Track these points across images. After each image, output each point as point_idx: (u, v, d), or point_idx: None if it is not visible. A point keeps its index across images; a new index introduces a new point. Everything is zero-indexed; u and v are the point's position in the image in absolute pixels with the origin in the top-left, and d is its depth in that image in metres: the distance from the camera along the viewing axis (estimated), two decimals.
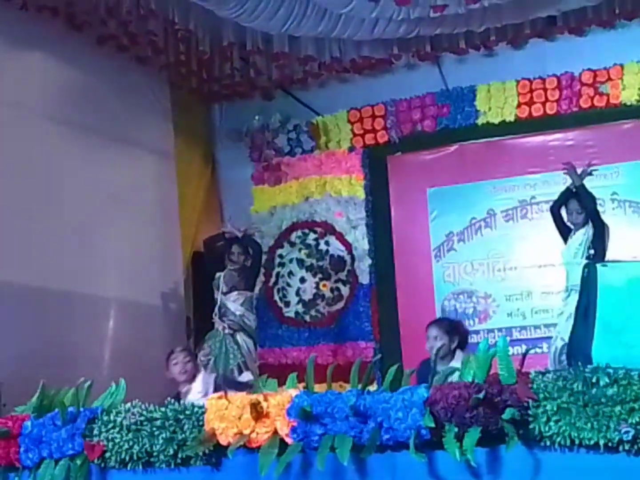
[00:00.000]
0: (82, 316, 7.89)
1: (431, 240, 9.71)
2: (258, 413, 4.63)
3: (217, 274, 8.67)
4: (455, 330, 6.75)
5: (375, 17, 8.24)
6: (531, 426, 4.14)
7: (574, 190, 7.81)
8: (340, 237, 9.78)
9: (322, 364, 8.78)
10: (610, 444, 4.02)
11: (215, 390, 6.54)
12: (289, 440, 4.56)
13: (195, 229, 9.70)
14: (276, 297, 9.90)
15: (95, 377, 5.54)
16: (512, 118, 9.45)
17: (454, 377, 4.63)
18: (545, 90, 9.30)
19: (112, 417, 5.02)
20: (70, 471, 5.04)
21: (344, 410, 4.44)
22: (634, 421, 3.98)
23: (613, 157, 9.02)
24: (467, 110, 9.56)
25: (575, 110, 9.23)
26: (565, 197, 7.89)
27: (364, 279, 9.64)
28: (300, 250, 9.90)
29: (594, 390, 4.07)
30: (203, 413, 4.82)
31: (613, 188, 9.04)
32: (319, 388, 4.77)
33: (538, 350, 8.31)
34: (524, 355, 4.57)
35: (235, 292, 8.59)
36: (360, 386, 4.58)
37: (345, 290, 9.71)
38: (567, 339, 6.82)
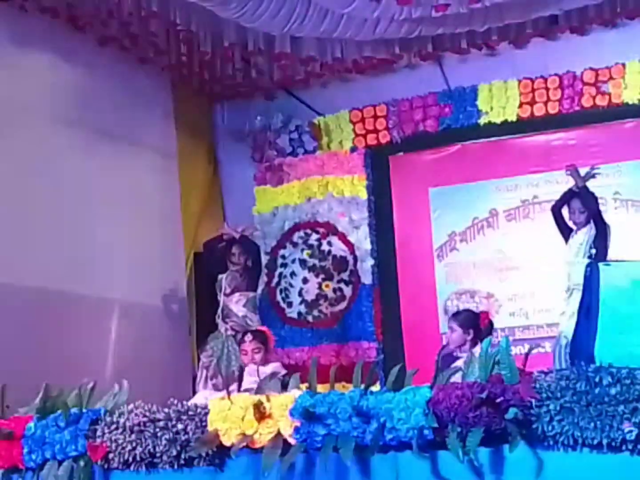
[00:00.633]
0: (85, 317, 7.89)
1: (433, 240, 9.70)
2: (261, 414, 4.64)
3: (220, 276, 8.68)
4: (469, 323, 6.78)
5: (377, 17, 8.23)
6: (534, 426, 4.14)
7: (576, 190, 7.82)
8: (343, 238, 9.77)
9: (325, 364, 8.78)
10: (613, 444, 4.02)
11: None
12: (292, 440, 4.56)
13: (197, 230, 9.69)
14: (279, 298, 9.90)
15: (98, 378, 5.54)
16: (514, 117, 9.44)
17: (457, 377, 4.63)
18: (547, 89, 9.30)
19: (115, 418, 5.02)
20: (73, 472, 5.04)
21: (347, 411, 4.44)
22: (637, 420, 3.98)
23: (615, 156, 9.01)
24: (469, 110, 9.55)
25: (577, 109, 9.22)
26: (567, 198, 7.90)
27: (367, 279, 9.64)
28: (302, 250, 9.90)
29: (597, 390, 4.07)
30: (206, 414, 4.82)
31: (615, 187, 9.03)
32: (322, 388, 4.77)
33: (541, 349, 8.31)
34: (527, 354, 4.57)
35: (238, 294, 8.60)
36: (363, 386, 4.58)
37: (347, 291, 9.71)
38: (570, 339, 6.83)
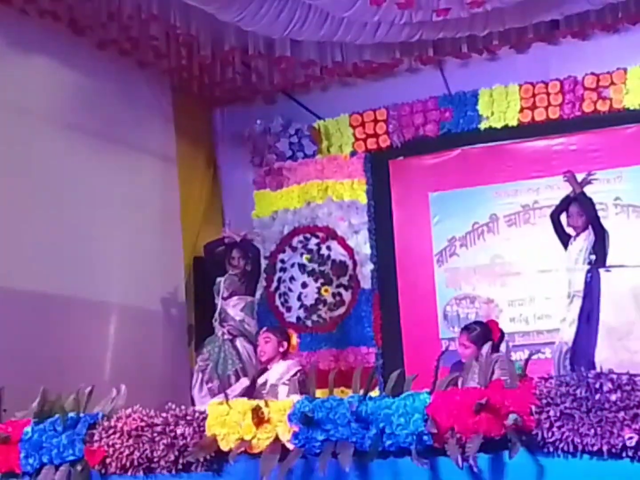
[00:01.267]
0: (84, 321, 7.87)
1: (433, 245, 9.68)
2: (259, 419, 4.62)
3: (218, 279, 8.65)
4: (483, 338, 6.59)
5: (377, 21, 8.23)
6: (534, 432, 4.12)
7: (574, 196, 7.82)
8: (342, 242, 9.75)
9: (324, 369, 8.77)
10: (613, 450, 4.00)
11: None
12: (290, 446, 4.55)
13: (197, 234, 9.67)
14: (278, 302, 9.88)
15: (96, 382, 5.53)
16: (514, 122, 9.43)
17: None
18: (548, 94, 9.28)
19: (112, 423, 5.01)
20: (70, 477, 5.03)
21: (346, 416, 4.43)
22: (637, 427, 3.96)
23: (616, 162, 8.99)
24: (470, 114, 9.54)
25: (578, 114, 9.20)
26: (565, 204, 7.89)
27: (366, 283, 9.62)
28: (302, 255, 9.88)
29: (597, 396, 4.05)
30: (204, 418, 4.81)
31: (616, 193, 9.01)
32: (321, 393, 4.76)
33: (541, 355, 8.28)
34: (527, 360, 4.55)
35: (236, 297, 8.57)
36: (362, 392, 4.56)
37: (347, 295, 9.69)
38: (570, 344, 6.81)
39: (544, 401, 4.13)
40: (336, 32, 8.39)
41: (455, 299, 9.53)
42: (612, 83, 9.05)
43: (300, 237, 9.91)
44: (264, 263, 9.74)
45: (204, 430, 4.76)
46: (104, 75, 8.46)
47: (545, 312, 9.06)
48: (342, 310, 9.68)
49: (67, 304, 7.69)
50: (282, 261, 9.94)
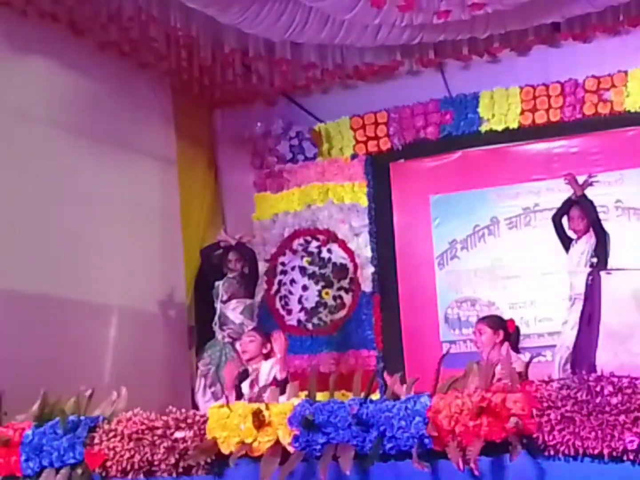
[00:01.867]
0: (84, 324, 7.85)
1: (434, 247, 9.68)
2: (260, 422, 4.61)
3: (217, 283, 8.66)
4: (498, 325, 6.75)
5: (378, 24, 8.22)
6: (535, 435, 4.11)
7: (575, 199, 7.82)
8: (343, 245, 9.75)
9: (325, 372, 8.77)
10: (614, 453, 3.99)
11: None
12: (291, 449, 4.54)
13: (202, 236, 9.63)
14: (278, 305, 9.87)
15: (96, 385, 5.52)
16: (515, 125, 9.43)
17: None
18: (548, 97, 9.28)
19: (113, 426, 5.00)
20: None
21: (347, 419, 4.42)
22: (638, 430, 3.95)
23: (617, 164, 9.00)
24: (471, 117, 9.54)
25: (579, 117, 9.21)
26: (566, 207, 7.89)
27: (367, 286, 9.61)
28: (302, 257, 9.87)
29: (598, 399, 4.04)
30: (205, 422, 4.80)
31: (617, 195, 9.01)
32: (322, 397, 4.75)
33: (542, 358, 8.28)
34: (528, 363, 4.55)
35: (235, 300, 8.57)
36: (362, 395, 4.55)
37: (347, 298, 9.68)
38: (571, 348, 6.81)
39: (545, 404, 4.13)
40: (337, 34, 8.38)
41: (456, 302, 9.52)
42: (613, 85, 9.05)
43: (301, 240, 9.90)
44: (264, 266, 9.75)
45: (204, 434, 4.75)
46: (104, 76, 8.44)
47: (546, 315, 9.05)
48: (342, 313, 9.67)
49: (67, 306, 7.67)
50: (283, 264, 9.93)
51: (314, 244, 9.86)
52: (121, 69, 8.67)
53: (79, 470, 5.02)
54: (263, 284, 9.77)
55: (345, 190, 9.82)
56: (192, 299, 9.46)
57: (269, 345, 6.95)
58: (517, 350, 6.83)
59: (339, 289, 9.72)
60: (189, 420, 4.84)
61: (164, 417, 4.89)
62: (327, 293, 9.73)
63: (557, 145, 9.35)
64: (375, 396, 4.75)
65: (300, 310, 9.77)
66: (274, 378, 6.54)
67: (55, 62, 7.93)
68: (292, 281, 9.87)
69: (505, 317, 7.55)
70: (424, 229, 9.73)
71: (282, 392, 6.07)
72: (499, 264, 9.43)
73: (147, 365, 8.20)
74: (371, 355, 9.40)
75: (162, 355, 8.72)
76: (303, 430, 4.49)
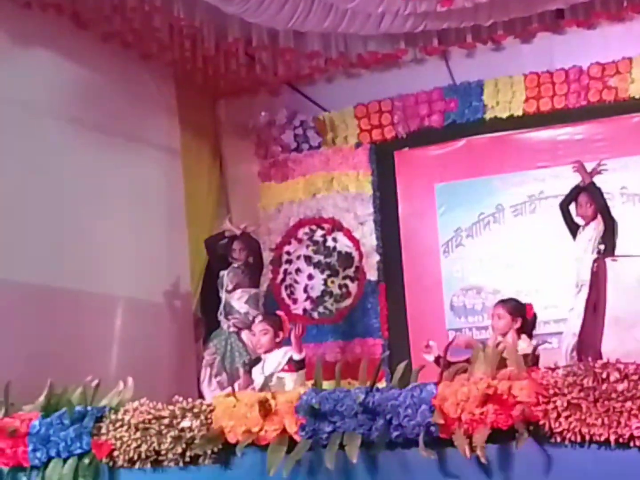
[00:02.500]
0: (90, 315, 7.87)
1: (439, 235, 9.67)
2: (266, 411, 4.62)
3: (221, 273, 8.66)
4: (518, 311, 6.72)
5: (381, 12, 8.21)
6: (541, 422, 4.11)
7: (583, 186, 7.81)
8: (348, 234, 9.75)
9: (331, 361, 8.77)
10: (621, 440, 3.99)
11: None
12: (297, 437, 4.54)
13: (206, 226, 9.63)
14: (284, 294, 9.87)
15: (102, 375, 5.53)
16: (520, 112, 9.41)
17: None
18: (553, 84, 9.26)
19: (120, 416, 5.01)
20: (78, 470, 5.03)
21: (353, 408, 4.42)
22: None
23: (622, 151, 8.96)
24: (475, 104, 9.52)
25: (583, 104, 9.18)
26: (574, 194, 7.88)
27: (372, 275, 9.61)
28: (307, 246, 9.88)
29: (604, 386, 4.04)
30: (211, 411, 4.80)
31: (622, 182, 8.98)
32: (328, 385, 4.75)
33: (548, 345, 8.26)
34: (534, 350, 4.55)
35: (240, 290, 8.57)
36: (369, 383, 4.55)
37: (353, 287, 9.68)
38: (577, 335, 6.80)
39: (551, 391, 4.12)
40: (340, 23, 8.37)
41: (461, 290, 9.52)
42: (618, 72, 9.02)
43: (306, 229, 9.90)
44: (269, 255, 9.75)
45: (211, 423, 4.76)
46: (108, 68, 8.44)
47: (552, 302, 9.03)
48: (348, 301, 9.67)
49: (73, 298, 7.69)
50: (288, 253, 9.93)
51: (319, 232, 9.86)
52: (124, 60, 8.67)
53: (86, 460, 5.03)
54: (268, 273, 9.78)
55: (350, 179, 9.81)
56: (197, 289, 9.47)
57: (280, 334, 6.95)
58: (531, 336, 6.78)
59: (345, 277, 9.73)
60: (196, 410, 4.84)
61: (171, 407, 4.90)
62: (332, 282, 9.73)
63: (561, 133, 9.32)
64: (382, 384, 4.75)
65: (306, 299, 9.78)
66: (290, 358, 6.57)
67: (59, 54, 7.94)
68: (298, 270, 9.88)
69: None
70: (429, 217, 9.72)
71: (300, 369, 6.16)
72: (504, 252, 9.42)
73: (153, 355, 8.22)
74: (377, 343, 9.40)
75: (167, 345, 8.73)
76: (309, 418, 4.49)
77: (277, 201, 10.03)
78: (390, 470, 4.38)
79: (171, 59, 9.00)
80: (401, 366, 4.65)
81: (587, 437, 4.04)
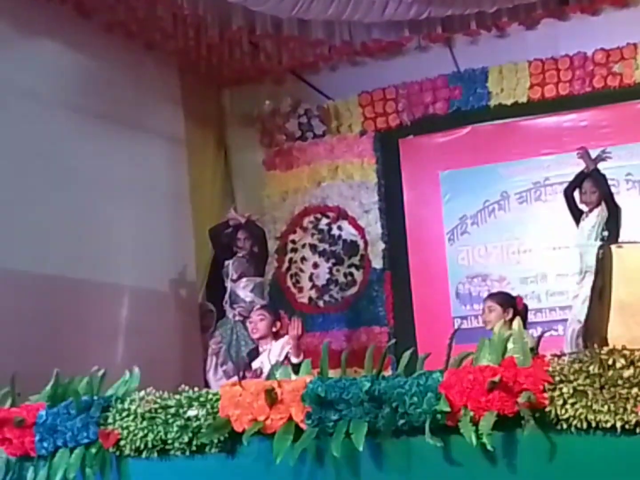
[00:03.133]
0: (96, 304, 7.88)
1: (444, 223, 9.68)
2: (273, 399, 4.62)
3: (226, 262, 8.67)
4: (508, 303, 6.79)
5: None
6: (547, 409, 4.11)
7: (587, 173, 7.80)
8: (353, 222, 9.76)
9: (336, 349, 8.78)
10: (627, 426, 3.98)
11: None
12: (303, 426, 4.54)
13: (211, 215, 9.63)
14: (289, 283, 9.89)
15: (108, 365, 5.54)
16: (524, 99, 9.40)
17: None
18: (557, 70, 9.25)
19: (126, 405, 5.01)
20: (85, 460, 5.04)
21: (359, 396, 4.42)
22: None
23: (627, 137, 8.96)
24: (479, 92, 9.51)
25: (588, 90, 9.17)
26: (578, 180, 7.87)
27: (377, 263, 9.62)
28: (312, 235, 9.88)
29: (610, 373, 4.03)
30: (217, 400, 4.81)
31: (627, 168, 8.98)
32: (334, 374, 4.75)
33: (554, 332, 8.28)
34: (539, 337, 4.54)
35: (245, 279, 8.59)
36: (374, 371, 4.55)
37: (358, 275, 9.69)
38: (583, 322, 6.80)
39: (557, 378, 4.12)
40: (344, 11, 8.35)
41: (467, 277, 9.53)
42: (622, 58, 9.01)
43: (311, 218, 9.91)
44: (275, 244, 9.76)
45: (217, 412, 4.76)
46: (112, 57, 8.44)
47: (558, 289, 9.05)
48: (353, 290, 9.69)
49: (78, 287, 7.70)
50: (293, 242, 9.94)
51: (324, 221, 9.87)
52: (128, 49, 8.67)
53: (93, 450, 5.03)
54: (274, 262, 9.79)
55: (354, 167, 9.82)
56: (204, 279, 9.48)
57: (278, 324, 6.97)
58: (524, 327, 6.84)
59: (350, 266, 9.73)
60: (202, 399, 4.85)
61: (177, 396, 4.90)
62: (337, 270, 9.74)
63: (566, 119, 9.32)
64: (387, 372, 4.74)
65: (311, 288, 9.79)
66: (287, 358, 6.56)
67: (63, 44, 7.94)
68: (303, 259, 9.89)
69: (517, 292, 7.60)
70: (434, 205, 9.72)
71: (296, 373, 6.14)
72: (509, 239, 9.43)
73: (159, 344, 8.23)
74: (383, 331, 9.41)
75: (173, 334, 8.75)
76: (315, 407, 4.50)
77: (282, 190, 10.03)
78: (397, 458, 4.38)
79: (175, 48, 9.00)
80: (407, 354, 4.64)
81: (593, 424, 4.03)
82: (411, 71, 9.73)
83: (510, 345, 4.41)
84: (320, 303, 9.74)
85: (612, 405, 4.00)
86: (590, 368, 4.07)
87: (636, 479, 3.99)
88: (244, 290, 8.57)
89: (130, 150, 8.58)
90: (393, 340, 9.16)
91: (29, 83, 7.54)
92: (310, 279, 9.84)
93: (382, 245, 9.66)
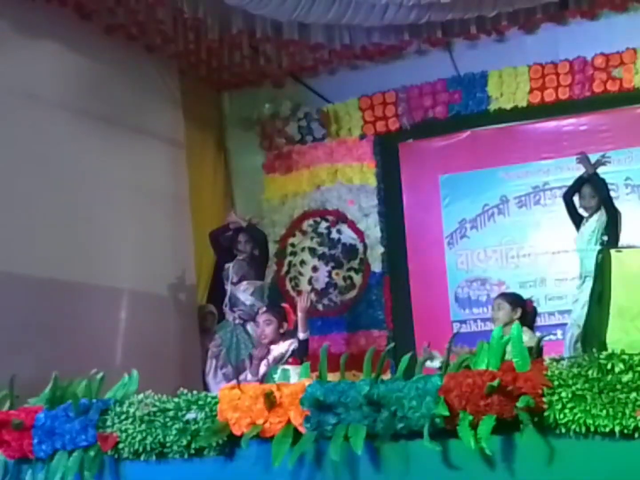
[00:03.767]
0: (95, 307, 7.88)
1: (444, 227, 9.68)
2: (271, 403, 4.62)
3: (226, 265, 8.67)
4: (517, 302, 6.84)
5: (385, 3, 8.20)
6: (546, 414, 4.11)
7: (586, 177, 7.80)
8: (352, 225, 9.76)
9: (335, 353, 8.76)
10: (625, 431, 3.99)
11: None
12: (302, 429, 4.55)
13: (210, 218, 9.63)
14: (288, 287, 9.89)
15: (107, 368, 5.54)
16: (524, 103, 9.41)
17: None
18: (557, 75, 9.25)
19: (125, 408, 5.01)
20: (83, 462, 5.04)
21: (358, 400, 4.42)
22: None
23: (626, 142, 8.97)
24: (479, 96, 9.52)
25: (588, 95, 9.18)
26: (577, 185, 7.88)
27: (377, 267, 9.62)
28: (312, 238, 9.88)
29: (609, 377, 4.04)
30: (216, 403, 4.81)
31: (626, 173, 9.00)
32: (332, 377, 4.75)
33: (552, 337, 8.27)
34: (538, 342, 4.55)
35: (245, 282, 8.59)
36: (373, 375, 4.55)
37: (357, 279, 9.69)
38: (582, 326, 6.80)
39: (556, 382, 4.12)
40: (344, 14, 8.36)
41: (466, 281, 9.53)
42: (622, 63, 9.02)
43: (310, 221, 9.91)
44: (274, 247, 9.76)
45: (216, 415, 4.76)
46: (112, 60, 8.44)
47: (557, 293, 9.05)
48: (353, 293, 9.69)
49: (77, 290, 7.69)
50: (292, 245, 9.95)
51: (324, 224, 9.87)
52: (128, 52, 8.67)
53: (92, 453, 5.03)
54: (273, 266, 9.79)
55: (354, 170, 9.82)
56: (206, 282, 9.48)
57: (285, 325, 6.97)
58: (532, 329, 6.85)
59: (349, 269, 9.74)
60: (201, 402, 4.85)
61: (176, 399, 4.90)
62: (337, 274, 9.74)
63: (566, 124, 9.32)
64: (386, 376, 4.75)
65: (311, 291, 9.78)
66: (294, 350, 6.60)
67: (63, 46, 7.93)
68: (302, 262, 9.89)
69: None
70: (434, 209, 9.72)
71: (304, 354, 6.17)
72: (508, 243, 9.43)
73: (157, 347, 8.23)
74: (382, 335, 9.42)
75: (172, 337, 8.74)
76: (314, 411, 4.50)
77: (281, 193, 10.04)
78: (395, 462, 4.39)
79: (175, 51, 9.00)
80: (406, 358, 4.65)
81: (592, 429, 4.04)
82: (411, 75, 9.74)
83: (509, 349, 4.41)
84: (319, 306, 9.74)
85: (610, 410, 4.00)
86: (589, 372, 4.08)
87: None
88: (244, 293, 8.57)
89: (130, 153, 8.57)
90: (392, 344, 9.19)
91: (29, 85, 7.54)
92: (310, 282, 9.84)
93: (381, 249, 9.66)
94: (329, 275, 9.78)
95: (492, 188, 9.53)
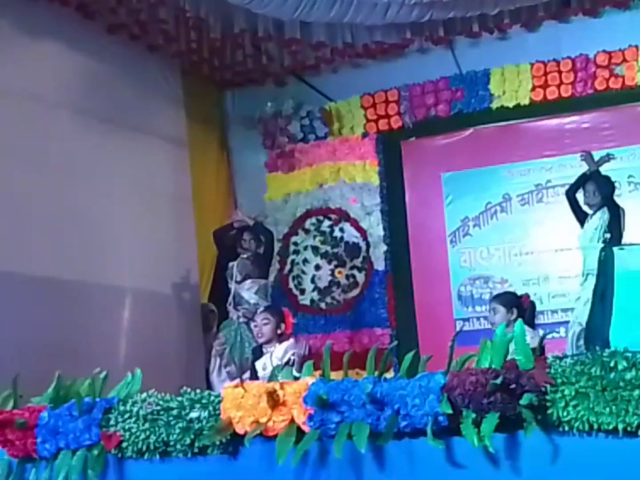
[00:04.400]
0: (98, 306, 7.88)
1: (446, 225, 9.69)
2: (275, 401, 4.62)
3: (230, 263, 8.67)
4: (512, 303, 6.84)
5: (387, 1, 8.18)
6: (549, 411, 4.11)
7: (589, 174, 7.81)
8: (355, 224, 9.76)
9: (338, 351, 8.76)
10: (629, 429, 3.98)
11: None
12: (305, 428, 4.54)
13: (213, 217, 9.64)
14: (291, 285, 9.89)
15: (111, 367, 5.53)
16: (526, 101, 9.41)
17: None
18: (559, 72, 9.25)
19: (128, 407, 5.01)
20: (87, 461, 5.03)
21: (361, 398, 4.42)
22: None
23: (629, 139, 8.97)
24: (481, 94, 9.52)
25: (590, 92, 9.18)
26: (581, 182, 7.88)
27: (379, 265, 9.62)
28: (314, 237, 9.88)
29: (612, 375, 4.03)
30: (219, 402, 4.81)
31: (629, 170, 8.99)
32: (336, 376, 4.75)
33: (555, 334, 8.29)
34: (541, 340, 4.54)
35: (249, 281, 8.60)
36: (376, 373, 4.55)
37: (360, 277, 9.70)
38: (585, 324, 6.81)
39: (559, 380, 4.12)
40: (346, 13, 8.35)
41: (469, 279, 9.53)
42: (624, 60, 9.02)
43: (313, 220, 9.91)
44: (276, 246, 9.76)
45: (219, 414, 4.77)
46: (114, 59, 8.45)
47: (559, 291, 9.05)
48: (355, 292, 9.69)
49: (81, 289, 7.70)
50: (295, 244, 9.95)
51: (326, 223, 9.87)
52: (131, 51, 8.69)
53: (95, 452, 5.03)
54: (276, 264, 9.79)
55: (356, 169, 9.82)
56: (208, 281, 9.48)
57: (283, 326, 6.98)
58: (532, 326, 6.85)
59: (352, 268, 9.74)
60: (204, 401, 4.84)
61: (179, 398, 4.90)
62: (340, 272, 9.74)
63: (568, 121, 9.32)
64: (390, 374, 4.74)
65: (314, 290, 9.80)
66: (289, 362, 6.59)
67: (65, 46, 7.94)
68: (305, 261, 9.89)
69: (519, 293, 7.62)
70: (436, 207, 9.72)
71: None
72: (511, 241, 9.43)
73: (161, 346, 8.24)
74: (385, 333, 9.42)
75: (176, 336, 8.75)
76: (318, 409, 4.50)
77: (284, 192, 10.04)
78: (399, 460, 4.38)
79: (177, 50, 9.01)
80: (409, 356, 4.64)
81: (595, 426, 4.04)
82: (413, 73, 9.74)
83: (512, 347, 4.41)
84: (322, 305, 9.74)
85: (614, 408, 4.00)
86: (592, 370, 4.07)
87: None
88: (248, 291, 8.58)
89: (133, 152, 8.58)
90: (395, 342, 9.20)
91: (31, 85, 7.54)
92: (312, 280, 9.84)
93: (384, 247, 9.66)
94: (332, 274, 9.78)
95: (495, 186, 9.54)
